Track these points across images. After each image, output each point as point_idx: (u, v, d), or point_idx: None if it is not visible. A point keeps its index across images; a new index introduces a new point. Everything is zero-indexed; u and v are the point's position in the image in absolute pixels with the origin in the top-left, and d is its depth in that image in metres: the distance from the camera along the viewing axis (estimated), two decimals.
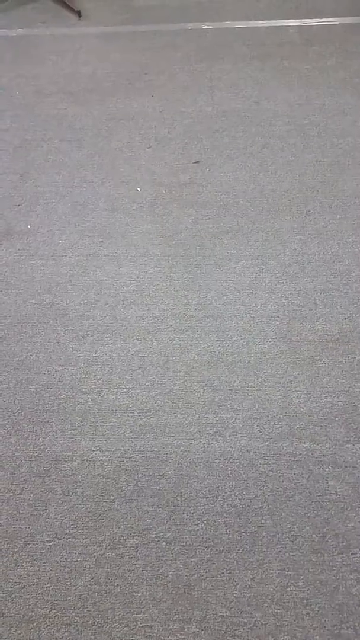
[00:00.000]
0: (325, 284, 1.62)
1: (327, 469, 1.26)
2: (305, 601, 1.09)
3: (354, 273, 1.65)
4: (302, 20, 2.72)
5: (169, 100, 2.32)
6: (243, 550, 1.16)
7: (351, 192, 1.89)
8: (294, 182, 1.94)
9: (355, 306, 1.56)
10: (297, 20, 2.73)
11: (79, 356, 1.50)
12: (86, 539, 1.19)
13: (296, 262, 1.69)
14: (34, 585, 1.13)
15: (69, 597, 1.12)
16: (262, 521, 1.19)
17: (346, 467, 1.26)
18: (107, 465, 1.29)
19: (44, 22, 2.86)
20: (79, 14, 2.88)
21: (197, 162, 2.05)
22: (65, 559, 1.16)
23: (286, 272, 1.66)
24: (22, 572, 1.15)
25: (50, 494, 1.25)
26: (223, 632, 1.06)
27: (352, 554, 1.14)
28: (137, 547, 1.17)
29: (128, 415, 1.37)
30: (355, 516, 1.19)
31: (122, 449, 1.31)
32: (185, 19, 2.80)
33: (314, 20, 2.71)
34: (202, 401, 1.39)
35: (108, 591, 1.12)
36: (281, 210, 1.85)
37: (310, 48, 2.54)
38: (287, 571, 1.13)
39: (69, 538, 1.19)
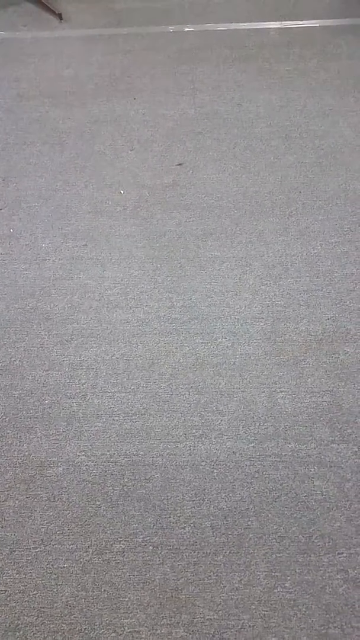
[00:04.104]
0: (309, 285, 1.63)
1: (312, 469, 1.27)
2: (292, 602, 1.10)
3: (336, 273, 1.66)
4: (283, 22, 2.74)
5: (151, 103, 2.32)
6: (230, 552, 1.16)
7: (333, 193, 1.90)
8: (277, 183, 1.95)
9: (338, 306, 1.57)
10: (277, 22, 2.74)
11: (64, 360, 1.49)
12: (72, 544, 1.18)
13: (279, 264, 1.69)
14: (20, 592, 1.12)
15: (55, 604, 1.11)
16: (249, 523, 1.19)
17: (331, 466, 1.27)
18: (92, 470, 1.28)
19: (25, 25, 2.85)
20: (60, 16, 2.87)
21: (180, 164, 2.05)
22: (52, 565, 1.15)
23: (270, 274, 1.67)
24: (8, 580, 1.14)
25: (35, 500, 1.24)
26: (211, 635, 1.06)
27: (338, 553, 1.15)
28: (123, 552, 1.16)
29: (113, 419, 1.36)
30: (341, 516, 1.20)
31: (108, 453, 1.31)
32: (167, 22, 2.81)
33: (294, 22, 2.73)
34: (188, 403, 1.39)
35: (95, 597, 1.11)
36: (264, 212, 1.85)
37: (291, 50, 2.56)
38: (274, 572, 1.13)
39: (55, 544, 1.18)
